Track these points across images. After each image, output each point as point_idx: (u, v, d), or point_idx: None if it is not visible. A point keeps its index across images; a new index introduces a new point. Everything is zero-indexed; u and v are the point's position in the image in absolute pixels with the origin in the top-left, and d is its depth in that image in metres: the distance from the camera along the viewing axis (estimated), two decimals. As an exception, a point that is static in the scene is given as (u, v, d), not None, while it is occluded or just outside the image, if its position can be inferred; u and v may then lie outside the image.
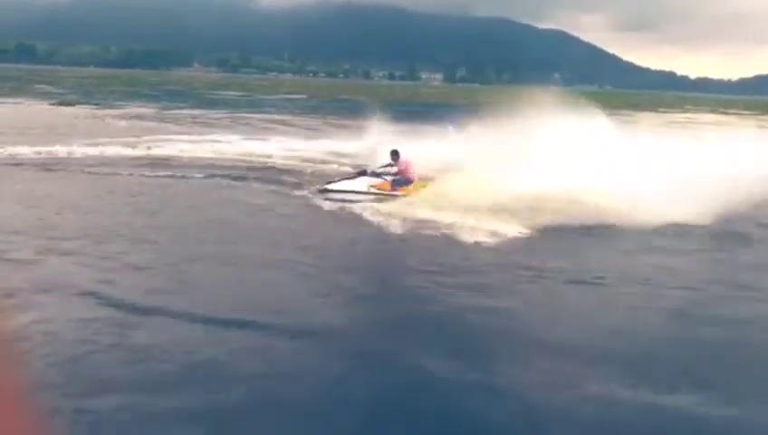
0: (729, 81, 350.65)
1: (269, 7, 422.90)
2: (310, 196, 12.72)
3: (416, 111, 47.54)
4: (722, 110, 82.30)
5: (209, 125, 29.14)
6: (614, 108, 44.13)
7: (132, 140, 19.87)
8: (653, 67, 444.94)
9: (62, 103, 39.05)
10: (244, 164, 16.76)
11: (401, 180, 12.94)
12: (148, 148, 18.48)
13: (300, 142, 21.57)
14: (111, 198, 12.20)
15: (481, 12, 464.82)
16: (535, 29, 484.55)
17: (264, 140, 21.95)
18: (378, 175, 13.16)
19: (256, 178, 14.65)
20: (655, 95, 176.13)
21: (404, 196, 12.41)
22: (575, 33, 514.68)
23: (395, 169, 13.05)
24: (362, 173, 13.44)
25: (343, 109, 47.64)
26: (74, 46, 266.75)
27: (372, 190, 12.63)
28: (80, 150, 17.10)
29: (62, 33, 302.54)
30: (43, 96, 45.91)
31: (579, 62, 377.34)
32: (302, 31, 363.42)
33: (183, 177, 14.53)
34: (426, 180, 13.28)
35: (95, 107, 37.85)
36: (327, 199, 12.31)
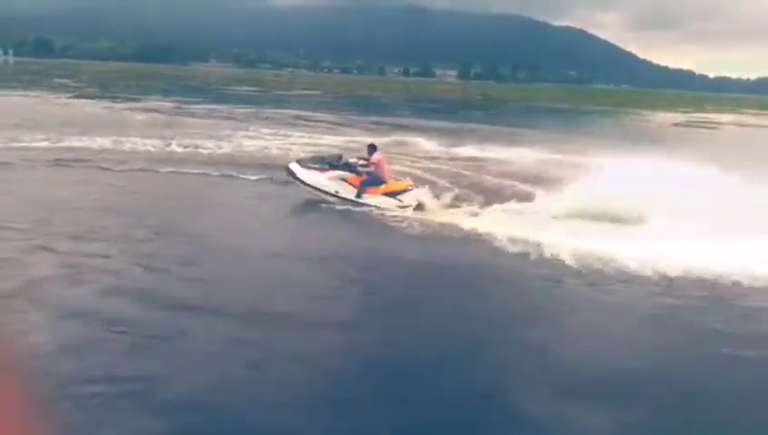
0: (748, 80, 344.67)
1: (284, 3, 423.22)
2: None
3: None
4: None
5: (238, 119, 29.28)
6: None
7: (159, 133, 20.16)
8: (671, 65, 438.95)
9: (79, 96, 39.37)
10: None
11: (373, 180, 12.55)
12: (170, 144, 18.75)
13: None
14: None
15: (497, 9, 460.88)
16: (551, 26, 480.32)
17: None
18: (351, 168, 12.71)
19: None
20: (678, 94, 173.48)
21: (373, 202, 12.19)
22: (592, 31, 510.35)
23: (371, 168, 12.66)
24: (338, 158, 13.04)
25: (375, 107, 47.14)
26: (91, 41, 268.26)
27: (338, 194, 12.35)
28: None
29: (79, 27, 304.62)
30: (61, 89, 46.37)
31: (595, 60, 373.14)
32: (316, 27, 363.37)
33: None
34: (401, 179, 13.05)
35: (114, 101, 38.11)
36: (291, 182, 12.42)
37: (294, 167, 12.59)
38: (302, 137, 23.17)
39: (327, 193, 12.33)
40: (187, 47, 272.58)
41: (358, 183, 12.44)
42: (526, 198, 13.18)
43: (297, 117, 32.90)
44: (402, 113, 39.86)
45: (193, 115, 31.08)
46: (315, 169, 12.60)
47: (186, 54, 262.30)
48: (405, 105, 51.58)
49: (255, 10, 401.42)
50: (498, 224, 11.13)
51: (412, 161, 18.30)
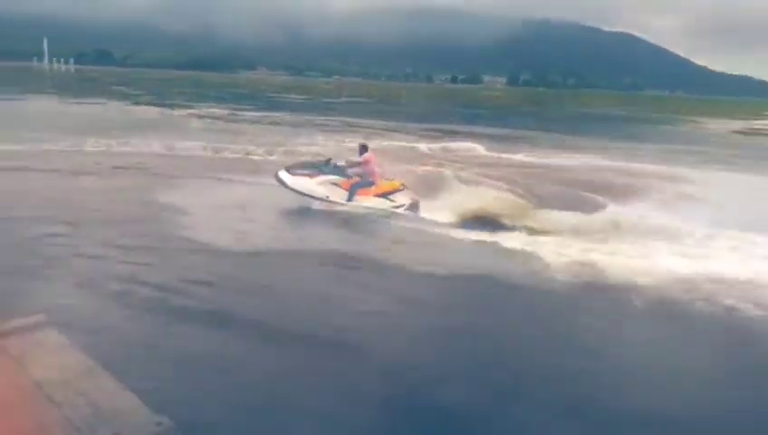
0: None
1: (334, 11, 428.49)
2: None
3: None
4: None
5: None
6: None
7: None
8: (727, 71, 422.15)
9: (137, 103, 40.50)
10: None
11: (363, 182, 12.15)
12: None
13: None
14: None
15: (546, 15, 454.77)
16: (603, 32, 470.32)
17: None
18: (340, 170, 12.22)
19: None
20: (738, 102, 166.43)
21: (365, 205, 11.84)
22: (645, 37, 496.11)
23: (360, 169, 12.24)
24: (327, 162, 12.42)
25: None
26: (148, 50, 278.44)
27: (329, 199, 11.90)
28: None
29: (137, 38, 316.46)
30: (121, 96, 47.83)
31: (648, 66, 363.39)
32: (365, 35, 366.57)
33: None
34: (391, 181, 12.47)
35: (171, 108, 38.74)
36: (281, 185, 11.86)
37: (283, 174, 12.09)
38: (353, 142, 22.99)
39: (317, 198, 11.91)
40: (235, 56, 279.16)
41: (348, 186, 12.10)
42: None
43: (348, 123, 32.83)
44: (452, 120, 39.37)
45: (248, 121, 31.38)
46: (305, 174, 12.14)
47: (235, 63, 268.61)
48: (454, 112, 51.02)
49: (306, 17, 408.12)
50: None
51: (466, 167, 17.77)
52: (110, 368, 2.44)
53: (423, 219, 11.74)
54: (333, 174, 12.18)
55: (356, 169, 12.30)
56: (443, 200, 12.48)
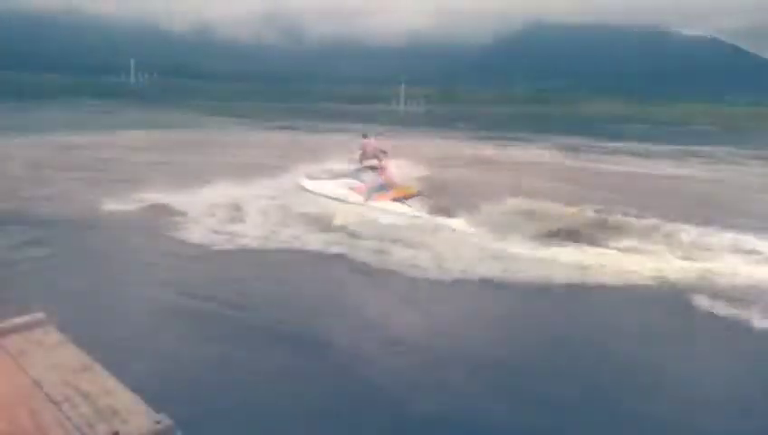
0: None
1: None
2: None
3: None
4: None
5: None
6: None
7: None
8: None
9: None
10: None
11: (381, 186, 12.74)
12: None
13: None
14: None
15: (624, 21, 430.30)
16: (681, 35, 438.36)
17: None
18: (356, 173, 13.18)
19: None
20: None
21: (383, 207, 12.23)
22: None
23: (377, 172, 13.08)
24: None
25: None
26: (487, 87, 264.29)
27: (348, 199, 12.65)
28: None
29: (480, 76, 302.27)
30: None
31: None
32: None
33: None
34: (408, 186, 13.12)
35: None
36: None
37: (304, 181, 13.59)
38: None
39: (337, 199, 12.74)
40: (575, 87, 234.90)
41: (364, 190, 12.75)
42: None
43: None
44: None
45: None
46: (323, 178, 13.54)
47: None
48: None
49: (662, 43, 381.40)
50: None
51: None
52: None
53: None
54: (349, 178, 13.13)
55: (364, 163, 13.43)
56: None
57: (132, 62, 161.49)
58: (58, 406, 1.65)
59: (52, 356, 1.93)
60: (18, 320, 2.09)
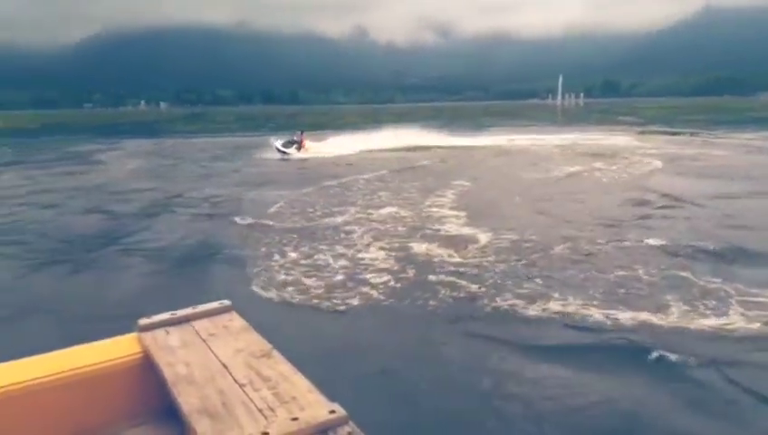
0: None
1: None
2: None
3: None
4: None
5: None
6: None
7: None
8: None
9: (643, 132, 38.76)
10: None
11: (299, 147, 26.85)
12: None
13: None
14: None
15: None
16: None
17: None
18: (293, 142, 27.10)
19: None
20: None
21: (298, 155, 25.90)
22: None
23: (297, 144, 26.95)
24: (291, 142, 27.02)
25: None
26: (655, 78, 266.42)
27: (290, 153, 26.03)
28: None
29: (643, 66, 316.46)
30: (627, 125, 47.74)
31: None
32: None
33: None
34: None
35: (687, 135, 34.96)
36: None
37: (276, 143, 26.51)
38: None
39: (285, 153, 25.74)
40: (756, 76, 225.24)
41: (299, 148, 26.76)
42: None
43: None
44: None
45: None
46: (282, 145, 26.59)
47: (755, 84, 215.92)
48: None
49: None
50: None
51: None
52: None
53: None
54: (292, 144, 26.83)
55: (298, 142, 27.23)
56: None
57: (560, 79, 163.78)
58: (242, 388, 1.74)
59: (237, 341, 2.09)
60: (208, 306, 2.33)
